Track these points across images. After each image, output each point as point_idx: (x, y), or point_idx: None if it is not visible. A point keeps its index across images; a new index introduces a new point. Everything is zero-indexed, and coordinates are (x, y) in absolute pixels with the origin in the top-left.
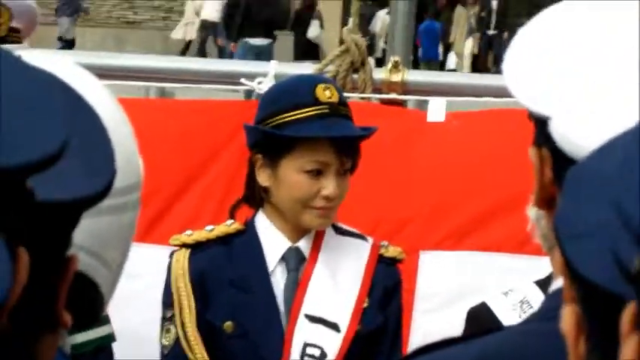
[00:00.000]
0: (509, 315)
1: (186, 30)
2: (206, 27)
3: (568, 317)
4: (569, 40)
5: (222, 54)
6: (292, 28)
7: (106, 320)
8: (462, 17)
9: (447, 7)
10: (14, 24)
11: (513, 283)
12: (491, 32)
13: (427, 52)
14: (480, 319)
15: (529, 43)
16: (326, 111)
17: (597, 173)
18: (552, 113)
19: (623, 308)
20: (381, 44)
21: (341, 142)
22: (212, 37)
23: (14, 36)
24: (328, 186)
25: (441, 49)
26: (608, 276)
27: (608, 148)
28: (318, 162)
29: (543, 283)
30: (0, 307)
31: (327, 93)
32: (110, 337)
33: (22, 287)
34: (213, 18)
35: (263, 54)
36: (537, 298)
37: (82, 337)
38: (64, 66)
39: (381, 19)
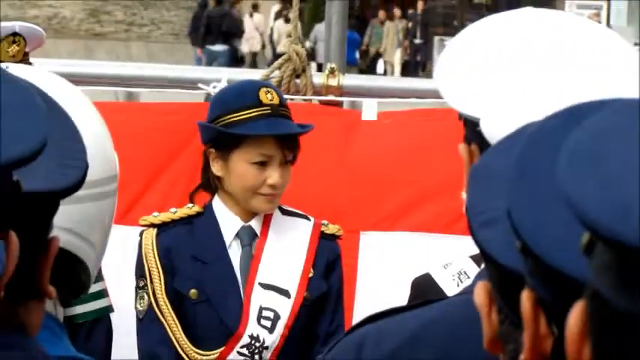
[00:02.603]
0: (450, 285)
1: (251, 44)
2: None
3: (479, 291)
4: (492, 52)
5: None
6: None
7: (103, 294)
8: (391, 30)
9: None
10: (26, 49)
11: (450, 257)
12: (417, 41)
13: (348, 57)
14: (425, 288)
15: (456, 57)
16: (268, 111)
17: (499, 166)
18: (481, 115)
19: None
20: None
21: (283, 137)
22: None
23: (26, 60)
24: (273, 175)
25: (357, 55)
26: (509, 256)
27: (504, 145)
28: (264, 155)
29: (479, 258)
30: None
31: (269, 96)
32: (107, 309)
33: (14, 265)
34: None
35: (221, 57)
36: (473, 270)
37: (80, 309)
38: (44, 77)
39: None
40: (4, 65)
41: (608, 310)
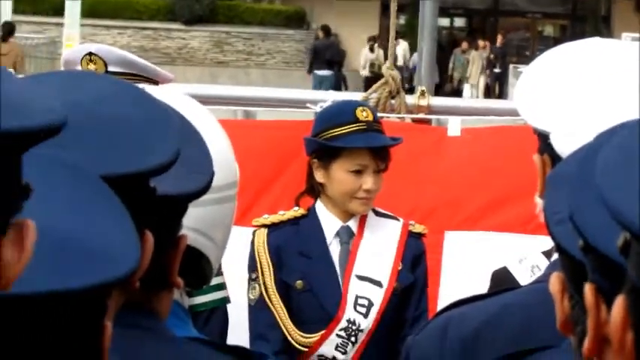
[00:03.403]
0: (524, 277)
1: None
2: None
3: (554, 280)
4: (562, 75)
5: None
6: None
7: (222, 286)
8: (477, 58)
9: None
10: (114, 69)
11: (524, 253)
12: (497, 70)
13: None
14: (502, 279)
15: (532, 80)
16: (364, 127)
17: (565, 176)
18: (551, 130)
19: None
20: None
21: (376, 149)
22: None
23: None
24: (367, 181)
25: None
26: (579, 249)
27: (578, 155)
28: (359, 164)
29: (549, 253)
30: (134, 272)
31: (364, 114)
32: (224, 300)
33: (149, 260)
34: None
35: (326, 81)
36: (544, 265)
37: (202, 299)
38: (177, 97)
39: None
40: (141, 86)
41: None
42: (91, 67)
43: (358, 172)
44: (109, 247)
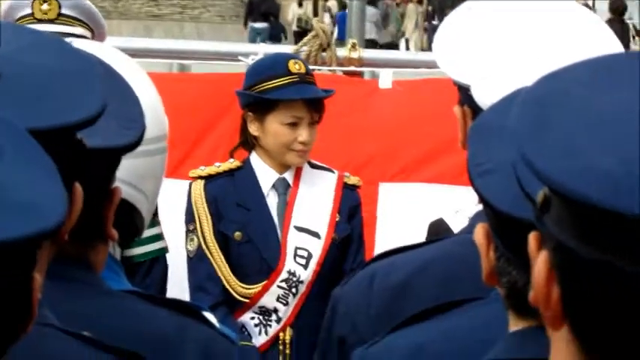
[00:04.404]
0: (461, 228)
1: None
2: None
3: (479, 231)
4: (482, 27)
5: None
6: None
7: (160, 237)
8: (412, 12)
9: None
10: (67, 12)
11: (460, 204)
12: (435, 23)
13: None
14: (439, 230)
15: (452, 30)
16: (296, 79)
17: (496, 124)
18: (471, 82)
19: (518, 227)
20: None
21: (310, 101)
22: None
23: (64, 20)
24: (303, 134)
25: None
26: (504, 201)
27: (500, 106)
28: (294, 116)
29: None
30: (61, 224)
31: (297, 66)
32: (163, 250)
33: (78, 212)
34: None
35: (263, 34)
36: None
37: (140, 250)
38: (105, 50)
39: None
40: (68, 39)
41: (573, 259)
42: (44, 7)
43: (293, 125)
44: (36, 199)
